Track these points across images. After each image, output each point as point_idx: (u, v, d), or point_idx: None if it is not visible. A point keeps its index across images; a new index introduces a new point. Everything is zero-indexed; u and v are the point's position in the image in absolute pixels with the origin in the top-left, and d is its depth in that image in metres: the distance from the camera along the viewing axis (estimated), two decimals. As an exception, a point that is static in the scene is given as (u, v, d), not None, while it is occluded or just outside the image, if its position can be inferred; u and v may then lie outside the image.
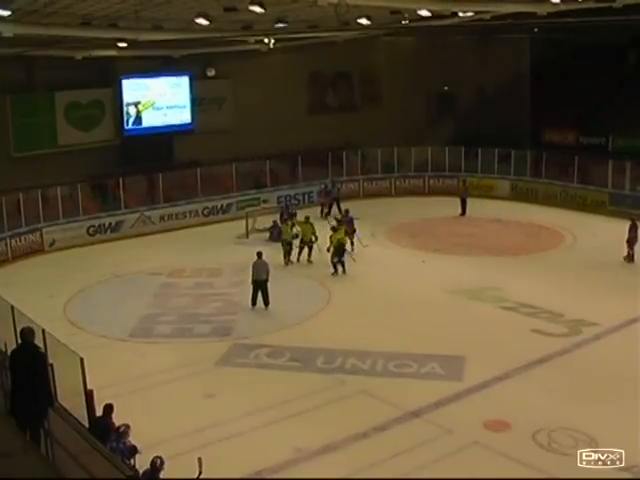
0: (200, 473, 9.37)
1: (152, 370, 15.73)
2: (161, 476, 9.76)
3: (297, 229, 24.11)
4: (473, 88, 37.09)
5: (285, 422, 13.31)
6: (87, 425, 9.74)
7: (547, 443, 12.42)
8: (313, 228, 23.43)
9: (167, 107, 32.49)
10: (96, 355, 13.72)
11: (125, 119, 31.37)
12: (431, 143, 33.86)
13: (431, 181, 33.30)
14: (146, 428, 11.50)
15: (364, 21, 22.95)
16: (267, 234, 26.33)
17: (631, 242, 22.27)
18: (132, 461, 10.13)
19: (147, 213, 28.35)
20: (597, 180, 29.54)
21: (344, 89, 37.93)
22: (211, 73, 33.57)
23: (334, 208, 29.19)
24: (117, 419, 10.52)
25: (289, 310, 19.45)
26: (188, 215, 29.28)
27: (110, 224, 27.47)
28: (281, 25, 23.85)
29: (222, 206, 30.07)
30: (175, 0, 19.81)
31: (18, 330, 9.34)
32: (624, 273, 21.36)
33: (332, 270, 22.10)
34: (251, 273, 19.49)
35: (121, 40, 23.67)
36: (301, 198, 31.62)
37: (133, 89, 31.56)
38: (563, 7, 20.99)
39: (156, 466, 9.71)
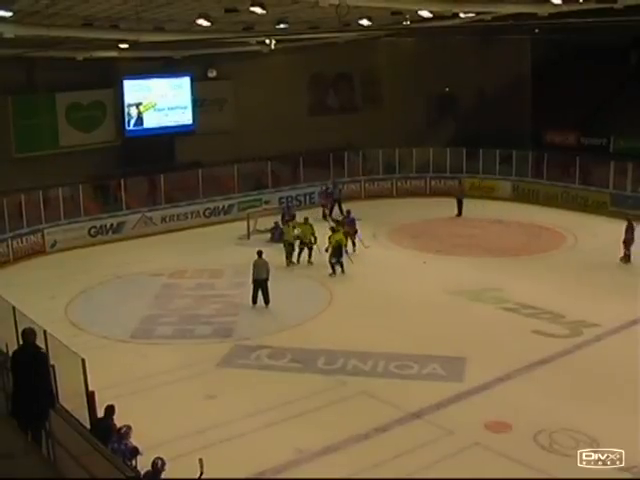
0: (201, 474, 9.39)
1: (153, 371, 15.74)
2: (162, 477, 9.78)
3: (298, 230, 24.11)
4: (474, 89, 37.12)
5: (286, 423, 13.32)
6: (88, 426, 9.75)
7: (548, 444, 12.41)
8: (312, 229, 23.44)
9: (168, 108, 32.55)
10: (97, 356, 13.72)
11: (126, 120, 31.45)
12: (432, 144, 33.86)
13: (432, 182, 33.28)
14: (147, 429, 11.50)
15: (365, 22, 23.02)
16: (268, 235, 26.34)
17: (627, 243, 22.29)
18: (133, 462, 10.14)
19: (148, 214, 28.36)
20: (598, 181, 29.54)
21: (345, 90, 37.98)
22: (212, 74, 33.61)
23: (335, 209, 29.20)
24: (118, 420, 10.53)
25: (290, 311, 19.46)
26: (189, 216, 29.28)
27: (111, 225, 27.49)
28: (282, 26, 23.88)
29: (223, 207, 30.07)
30: (176, 1, 19.82)
31: (19, 331, 9.35)
32: (625, 274, 21.35)
33: (330, 271, 22.13)
34: (251, 272, 19.58)
35: (122, 41, 23.68)
36: (302, 199, 31.61)
37: (134, 90, 31.62)
38: (564, 8, 20.99)
39: (157, 467, 9.73)
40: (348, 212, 25.34)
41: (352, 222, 24.46)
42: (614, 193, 28.71)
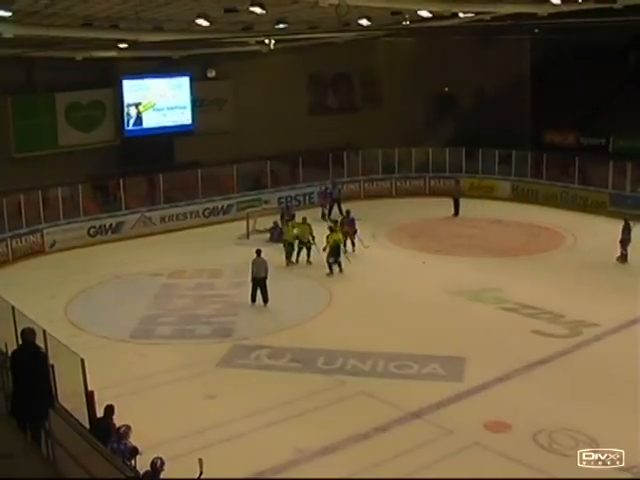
0: (201, 474, 9.39)
1: (153, 371, 15.74)
2: (162, 477, 9.77)
3: (297, 230, 24.10)
4: (473, 89, 37.13)
5: (286, 423, 13.32)
6: (88, 426, 9.74)
7: (548, 444, 12.42)
8: (310, 229, 23.46)
9: (168, 108, 32.53)
10: (97, 356, 13.71)
11: (126, 120, 31.42)
12: (432, 144, 33.87)
13: (432, 182, 33.28)
14: (147, 429, 11.49)
15: (364, 22, 23.01)
16: (268, 235, 26.34)
17: (624, 243, 22.34)
18: (133, 462, 10.13)
19: (148, 214, 28.35)
20: (598, 181, 29.54)
21: (344, 90, 37.96)
22: (211, 74, 33.61)
23: (335, 209, 29.20)
24: (118, 420, 10.53)
25: (290, 311, 19.47)
26: (189, 216, 29.28)
27: (111, 225, 27.48)
28: (281, 26, 23.86)
29: (223, 207, 30.06)
30: (175, 1, 19.81)
31: (19, 331, 9.34)
32: (624, 274, 21.34)
33: (327, 271, 22.13)
34: (250, 270, 19.63)
35: (122, 41, 23.68)
36: (302, 199, 31.61)
37: (134, 90, 31.60)
38: (564, 8, 20.99)
39: (156, 467, 9.72)
40: (348, 212, 25.34)
41: (352, 222, 24.47)
42: (613, 193, 28.72)
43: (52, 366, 9.43)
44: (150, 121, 31.99)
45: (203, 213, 29.63)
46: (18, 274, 23.11)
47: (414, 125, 35.67)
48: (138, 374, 15.48)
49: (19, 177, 26.14)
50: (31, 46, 23.23)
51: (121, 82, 31.02)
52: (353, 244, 24.19)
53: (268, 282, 19.65)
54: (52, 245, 25.91)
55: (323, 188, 30.69)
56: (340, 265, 22.21)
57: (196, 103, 33.20)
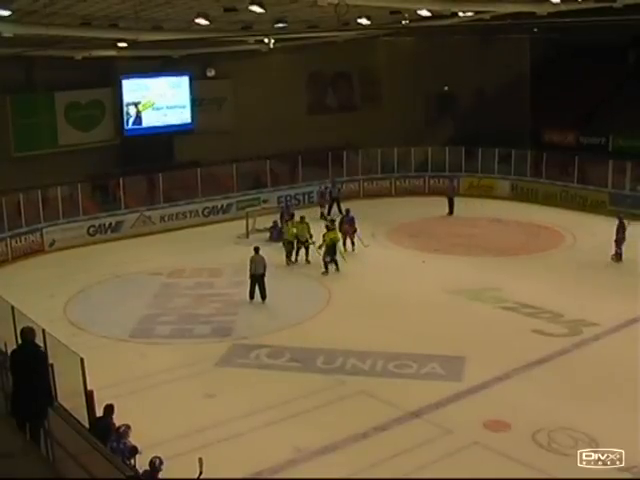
0: (201, 473, 9.39)
1: (152, 371, 15.74)
2: (160, 476, 9.77)
3: (297, 229, 24.09)
4: (473, 88, 37.11)
5: (285, 422, 13.32)
6: (87, 425, 9.75)
7: (547, 443, 12.43)
8: (309, 228, 23.47)
9: (167, 107, 32.50)
10: (96, 355, 13.72)
11: (125, 119, 31.39)
12: (431, 143, 33.87)
13: (431, 181, 33.25)
14: (146, 428, 11.50)
15: (364, 21, 22.95)
16: (267, 234, 26.34)
17: (618, 242, 22.35)
18: (132, 461, 10.13)
19: (147, 213, 28.35)
20: (597, 180, 29.51)
21: (344, 89, 37.94)
22: (211, 73, 33.60)
23: (334, 208, 29.20)
24: (117, 419, 10.53)
25: (289, 310, 19.47)
26: (188, 215, 29.28)
27: (110, 224, 27.48)
28: (281, 25, 23.86)
29: (222, 206, 30.06)
30: (175, 0, 19.81)
31: (18, 330, 9.34)
32: (624, 273, 21.34)
33: (323, 269, 22.13)
34: (248, 267, 19.68)
35: (121, 40, 23.67)
36: (301, 198, 31.60)
37: (133, 89, 31.58)
38: (563, 7, 20.97)
39: (155, 466, 9.72)
40: (347, 211, 25.34)
41: (351, 221, 24.47)
42: (613, 192, 28.71)
43: (51, 365, 9.42)
44: (149, 120, 31.97)
45: (202, 212, 29.62)
46: (17, 273, 23.11)
47: (413, 124, 35.65)
48: (137, 373, 15.49)
49: (18, 176, 26.13)
50: (30, 45, 23.19)
51: (120, 81, 30.99)
52: (353, 243, 24.20)
53: (266, 280, 19.70)
54: (51, 244, 25.91)
55: (323, 188, 30.69)
56: (337, 264, 22.21)
57: (195, 102, 33.18)
